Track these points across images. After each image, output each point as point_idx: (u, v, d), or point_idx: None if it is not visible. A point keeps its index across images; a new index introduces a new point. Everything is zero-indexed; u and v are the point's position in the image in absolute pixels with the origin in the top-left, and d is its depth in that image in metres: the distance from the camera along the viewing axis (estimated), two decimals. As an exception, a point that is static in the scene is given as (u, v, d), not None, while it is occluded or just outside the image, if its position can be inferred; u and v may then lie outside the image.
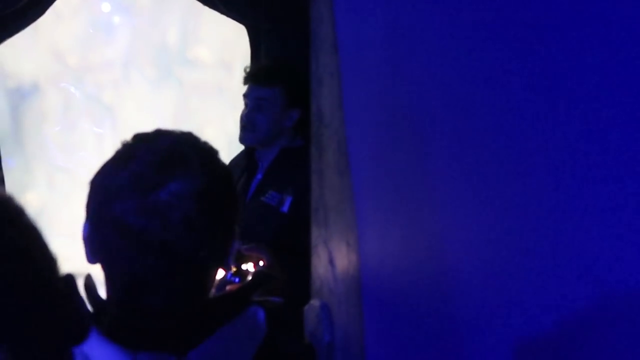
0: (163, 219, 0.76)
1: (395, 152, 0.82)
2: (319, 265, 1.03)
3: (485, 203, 0.66)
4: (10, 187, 2.54)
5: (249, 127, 1.98)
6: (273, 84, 1.99)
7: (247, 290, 0.88)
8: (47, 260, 0.45)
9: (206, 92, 3.00)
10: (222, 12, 2.50)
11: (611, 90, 0.52)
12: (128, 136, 0.85)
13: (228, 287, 1.58)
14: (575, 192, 0.55)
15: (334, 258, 0.96)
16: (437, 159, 0.74)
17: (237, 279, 1.68)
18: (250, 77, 2.01)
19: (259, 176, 2.02)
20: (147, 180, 0.77)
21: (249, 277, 1.67)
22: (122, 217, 0.76)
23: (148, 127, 0.89)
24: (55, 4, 2.42)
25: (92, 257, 0.81)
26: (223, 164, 0.85)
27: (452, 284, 0.72)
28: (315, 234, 1.05)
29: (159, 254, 0.77)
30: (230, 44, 2.90)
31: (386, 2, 0.85)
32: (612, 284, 0.52)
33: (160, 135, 0.83)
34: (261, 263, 1.73)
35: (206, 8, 2.54)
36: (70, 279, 0.44)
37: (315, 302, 1.03)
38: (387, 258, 0.85)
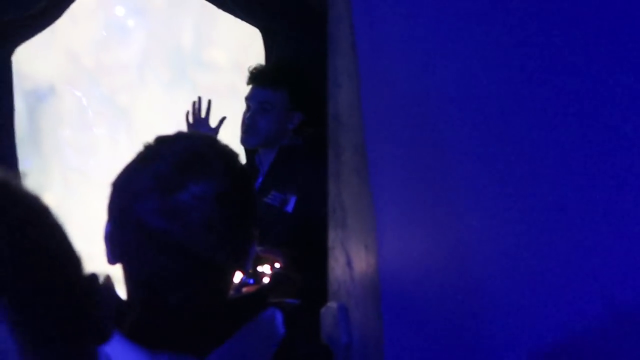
0: (183, 221, 0.76)
1: (415, 153, 0.81)
2: (336, 267, 1.03)
3: (510, 207, 0.65)
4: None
5: (251, 130, 1.96)
6: (277, 86, 1.96)
7: (265, 292, 0.88)
8: (73, 259, 0.45)
9: (220, 94, 3.01)
10: (236, 15, 2.51)
11: None
12: (148, 138, 0.85)
13: (244, 289, 1.58)
14: (606, 201, 0.54)
15: (351, 260, 0.96)
16: (459, 160, 0.73)
17: (252, 281, 1.68)
18: (255, 80, 1.99)
19: (260, 179, 2.00)
20: (168, 181, 0.77)
21: (265, 280, 1.67)
22: (143, 218, 0.77)
23: (162, 129, 0.90)
24: (71, 7, 2.44)
25: (112, 258, 0.81)
26: (243, 166, 0.85)
27: (474, 288, 0.71)
28: (332, 235, 1.05)
29: (179, 255, 0.77)
30: (244, 46, 2.90)
31: (405, 3, 0.84)
32: None
33: (181, 137, 0.83)
34: (277, 265, 1.73)
35: (220, 11, 2.55)
36: (94, 278, 0.45)
37: (332, 304, 1.02)
38: (406, 261, 0.84)
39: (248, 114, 1.99)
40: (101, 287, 0.47)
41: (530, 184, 0.63)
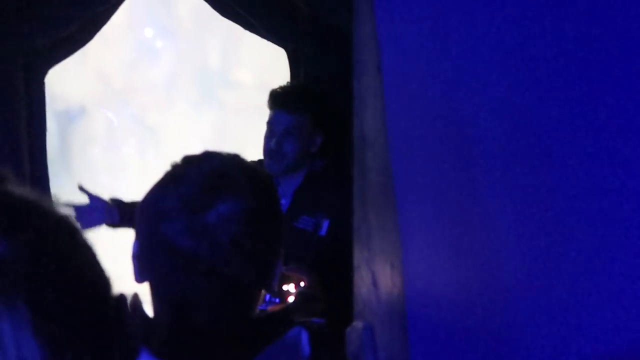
0: (211, 241, 0.77)
1: (441, 173, 0.81)
2: (362, 286, 1.03)
3: (537, 227, 0.65)
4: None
5: (276, 155, 1.92)
6: (302, 111, 1.94)
7: (290, 310, 0.88)
8: (100, 279, 0.45)
9: (247, 113, 3.05)
10: (262, 36, 2.55)
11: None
12: (175, 158, 0.86)
13: (270, 308, 1.59)
14: (636, 218, 0.54)
15: (377, 279, 0.96)
16: (485, 180, 0.73)
17: (277, 300, 1.68)
18: (279, 104, 1.94)
19: (285, 202, 1.96)
20: (195, 202, 0.78)
21: (290, 298, 1.67)
22: (171, 238, 0.78)
23: (190, 148, 0.91)
24: (102, 30, 2.50)
25: (140, 277, 0.82)
26: (270, 185, 0.85)
27: (500, 309, 0.71)
28: (358, 254, 1.05)
29: (206, 275, 0.78)
30: (270, 66, 2.94)
31: (431, 23, 0.85)
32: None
33: (208, 157, 0.84)
34: (302, 284, 1.73)
35: (246, 31, 2.58)
36: (122, 299, 0.45)
37: (358, 324, 1.02)
38: (432, 280, 0.84)
39: (273, 140, 1.95)
40: (128, 308, 0.47)
41: (558, 204, 0.62)
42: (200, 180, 0.79)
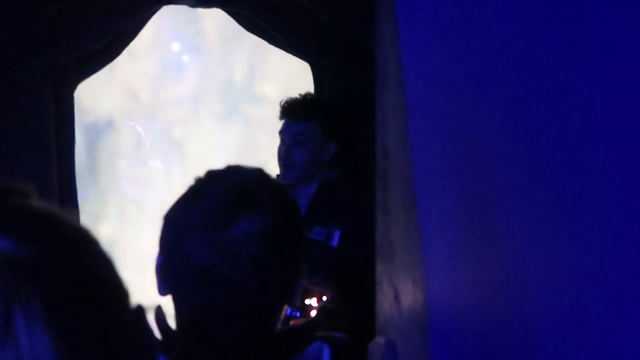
0: (232, 257, 0.77)
1: (464, 189, 0.81)
2: (384, 302, 1.02)
3: (561, 242, 0.64)
4: (84, 218, 2.65)
5: (288, 164, 1.96)
6: (310, 118, 1.97)
7: (312, 325, 0.88)
8: (117, 288, 0.46)
9: (271, 127, 3.06)
10: (287, 50, 2.57)
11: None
12: (199, 171, 0.87)
13: (291, 322, 1.58)
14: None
15: (399, 295, 0.95)
16: (508, 195, 0.73)
17: (298, 314, 1.68)
18: (287, 113, 1.99)
19: None
20: (217, 217, 0.78)
21: (312, 312, 1.67)
22: (192, 253, 0.78)
23: (215, 161, 0.92)
24: (129, 45, 2.55)
25: (162, 289, 0.83)
26: (292, 200, 0.86)
27: (524, 325, 0.70)
28: (380, 269, 1.04)
29: (227, 291, 0.78)
30: (294, 81, 2.96)
31: (454, 39, 0.85)
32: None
33: (231, 172, 0.84)
34: (324, 298, 1.72)
35: (271, 46, 2.61)
36: (140, 310, 0.46)
37: (379, 339, 1.01)
38: (455, 295, 0.83)
39: (283, 148, 1.99)
40: (147, 319, 0.48)
41: (581, 219, 0.62)
42: (222, 195, 0.80)
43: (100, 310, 0.43)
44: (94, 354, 0.42)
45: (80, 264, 0.44)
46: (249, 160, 0.91)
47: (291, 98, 2.05)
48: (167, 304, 0.87)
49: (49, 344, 0.40)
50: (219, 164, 0.89)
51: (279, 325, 0.88)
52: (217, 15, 2.76)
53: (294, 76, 2.96)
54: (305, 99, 2.06)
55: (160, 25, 2.98)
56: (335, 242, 1.91)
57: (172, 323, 0.86)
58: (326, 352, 0.85)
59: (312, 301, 1.70)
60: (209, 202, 0.80)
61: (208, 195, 0.80)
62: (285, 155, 1.98)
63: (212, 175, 0.84)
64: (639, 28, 0.57)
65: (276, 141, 2.22)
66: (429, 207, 0.87)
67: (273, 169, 2.04)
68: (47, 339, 0.40)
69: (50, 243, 0.43)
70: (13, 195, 0.45)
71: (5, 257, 0.41)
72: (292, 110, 2.00)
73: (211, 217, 0.78)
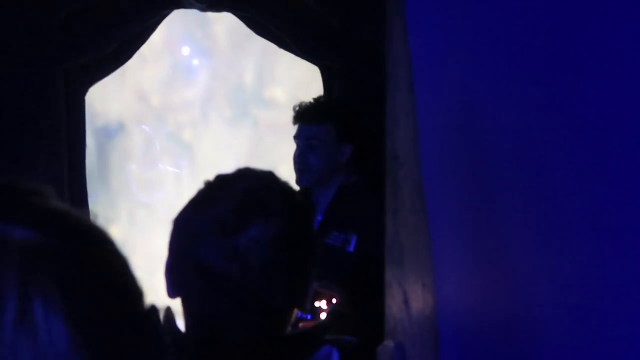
0: (242, 264, 0.77)
1: (473, 192, 0.81)
2: (393, 305, 1.02)
3: (568, 246, 0.64)
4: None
5: (303, 167, 1.95)
6: (322, 121, 1.96)
7: (321, 328, 0.88)
8: (132, 289, 0.47)
9: (280, 131, 3.07)
10: (296, 54, 2.57)
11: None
12: (209, 175, 0.87)
13: (301, 324, 1.58)
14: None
15: (408, 298, 0.95)
16: (517, 198, 0.73)
17: (309, 316, 1.67)
18: (300, 117, 1.99)
19: (319, 218, 1.96)
20: (227, 225, 0.78)
21: (322, 315, 1.67)
22: (203, 260, 0.78)
23: (224, 165, 0.92)
24: (140, 49, 2.56)
25: (172, 292, 0.83)
26: (302, 204, 0.85)
27: (532, 328, 0.70)
28: (390, 273, 1.04)
29: (237, 296, 0.78)
30: (304, 84, 2.96)
31: (464, 42, 0.85)
32: None
33: (241, 177, 0.84)
34: (334, 301, 1.72)
35: (281, 50, 2.61)
36: (154, 310, 0.46)
37: (389, 342, 1.01)
38: (464, 299, 0.83)
39: (298, 152, 1.99)
40: (160, 320, 0.48)
41: (587, 221, 0.61)
42: (232, 201, 0.80)
43: (115, 303, 0.44)
44: (108, 345, 0.42)
45: (97, 258, 0.45)
46: (258, 164, 0.91)
47: (304, 102, 2.05)
48: (176, 306, 0.87)
49: (66, 332, 0.41)
50: (229, 167, 0.89)
51: (289, 329, 0.88)
52: (227, 19, 2.77)
53: (303, 80, 2.96)
54: (317, 102, 2.05)
55: (171, 29, 2.99)
56: (351, 247, 1.89)
57: (181, 325, 0.86)
58: (335, 356, 0.85)
59: (322, 304, 1.70)
60: (219, 209, 0.80)
61: (218, 202, 0.80)
62: (299, 160, 1.97)
63: (221, 180, 0.84)
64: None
65: (285, 144, 2.22)
66: (439, 211, 0.87)
67: (283, 172, 2.03)
68: (64, 327, 0.41)
69: (69, 236, 0.44)
70: (35, 195, 0.46)
71: (25, 245, 0.42)
72: (304, 114, 2.00)
73: (221, 224, 0.78)
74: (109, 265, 0.45)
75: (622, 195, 0.57)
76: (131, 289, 0.46)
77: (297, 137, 2.01)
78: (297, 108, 2.03)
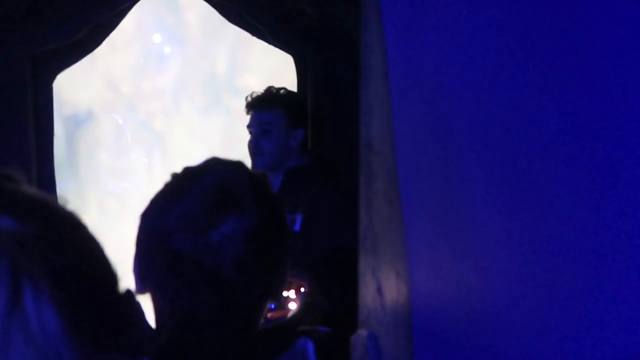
0: (215, 260, 0.76)
1: (448, 181, 0.81)
2: (367, 295, 1.02)
3: (542, 238, 0.64)
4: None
5: (257, 152, 2.04)
6: (274, 107, 2.06)
7: (296, 321, 0.88)
8: (109, 269, 0.48)
9: (253, 119, 3.05)
10: (269, 42, 2.55)
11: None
12: (178, 167, 0.85)
13: (270, 314, 1.57)
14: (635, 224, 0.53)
15: (382, 287, 0.95)
16: (490, 189, 0.73)
17: (272, 306, 1.66)
18: (252, 105, 2.08)
19: None
20: (198, 222, 0.77)
21: (290, 304, 1.66)
22: (174, 256, 0.77)
23: (197, 154, 0.90)
24: (110, 35, 2.51)
25: (141, 288, 0.81)
26: (273, 195, 0.84)
27: (507, 320, 0.70)
28: (363, 262, 1.04)
29: (211, 292, 0.77)
30: (277, 72, 2.94)
31: (439, 31, 0.85)
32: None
33: (210, 170, 0.82)
34: (302, 289, 1.71)
35: (254, 38, 2.59)
36: (130, 295, 0.47)
37: (362, 332, 1.01)
38: (438, 289, 0.83)
39: (251, 138, 2.07)
40: (137, 304, 0.51)
41: (557, 214, 0.62)
42: (202, 198, 0.78)
43: (98, 287, 0.46)
44: (94, 323, 0.44)
45: (78, 244, 0.46)
46: (230, 152, 0.90)
47: (254, 92, 2.14)
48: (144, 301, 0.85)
49: (56, 317, 0.42)
50: (201, 156, 0.87)
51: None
52: (199, 6, 2.73)
53: (276, 69, 2.94)
54: (268, 90, 2.14)
55: (142, 16, 2.94)
56: (297, 226, 1.95)
57: (150, 320, 0.84)
58: (310, 348, 0.85)
59: (291, 293, 1.69)
60: (189, 206, 0.77)
61: (187, 198, 0.78)
62: (253, 145, 2.06)
63: (190, 173, 0.82)
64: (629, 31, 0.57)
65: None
66: (412, 200, 0.87)
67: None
68: (54, 312, 0.42)
69: (49, 223, 0.45)
70: (8, 181, 0.46)
71: (10, 234, 0.43)
72: (255, 102, 2.09)
73: (192, 222, 0.77)
74: (89, 250, 0.47)
75: (583, 188, 0.58)
76: (110, 273, 0.47)
77: (250, 125, 2.10)
78: (248, 98, 2.12)
